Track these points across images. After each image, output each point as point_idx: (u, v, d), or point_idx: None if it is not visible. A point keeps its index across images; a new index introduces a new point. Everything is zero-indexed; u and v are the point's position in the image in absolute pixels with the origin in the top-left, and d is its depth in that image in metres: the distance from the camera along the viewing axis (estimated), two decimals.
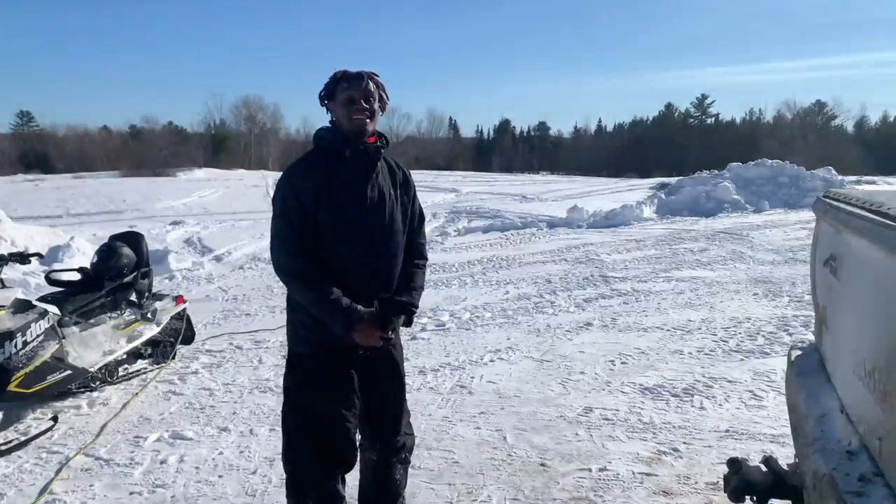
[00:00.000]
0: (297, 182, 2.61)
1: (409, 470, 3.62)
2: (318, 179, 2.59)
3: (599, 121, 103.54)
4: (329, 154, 2.66)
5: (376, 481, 2.94)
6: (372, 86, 2.63)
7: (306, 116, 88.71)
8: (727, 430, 4.18)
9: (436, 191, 27.81)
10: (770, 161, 21.32)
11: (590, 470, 3.70)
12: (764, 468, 2.51)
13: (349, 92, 2.59)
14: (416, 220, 2.89)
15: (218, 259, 11.48)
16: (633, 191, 26.90)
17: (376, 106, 2.65)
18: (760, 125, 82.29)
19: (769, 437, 4.08)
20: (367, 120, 2.61)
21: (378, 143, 2.71)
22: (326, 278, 2.57)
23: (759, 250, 11.07)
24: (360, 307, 2.53)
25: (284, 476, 2.72)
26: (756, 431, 4.16)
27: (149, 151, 62.06)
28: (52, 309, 4.59)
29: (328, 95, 2.67)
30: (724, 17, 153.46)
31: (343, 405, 2.66)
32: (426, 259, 2.95)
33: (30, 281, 8.51)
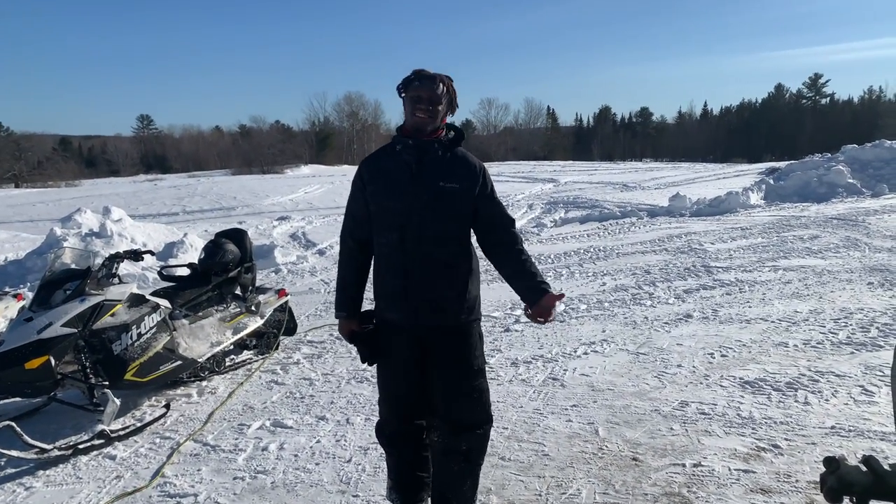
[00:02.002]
0: (360, 171, 2.91)
1: (500, 461, 3.67)
2: (371, 169, 2.87)
3: (705, 104, 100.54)
4: (387, 146, 2.89)
5: (434, 468, 3.02)
6: (442, 89, 2.74)
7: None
8: (833, 427, 3.99)
9: (533, 181, 27.61)
10: (889, 142, 19.99)
11: (684, 465, 3.62)
12: (864, 468, 2.39)
13: (419, 91, 2.73)
14: (490, 216, 2.89)
15: (321, 253, 11.85)
16: (740, 177, 25.89)
17: (441, 108, 2.76)
18: (880, 104, 77.52)
19: (879, 434, 3.87)
20: (428, 119, 2.74)
21: (436, 138, 2.79)
22: (362, 265, 2.95)
23: (876, 237, 10.44)
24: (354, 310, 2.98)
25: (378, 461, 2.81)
26: (865, 429, 3.95)
27: (257, 150, 64.57)
28: (164, 303, 4.89)
29: (404, 88, 2.80)
30: None
31: (397, 373, 2.93)
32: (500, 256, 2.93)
33: (147, 275, 9.06)
